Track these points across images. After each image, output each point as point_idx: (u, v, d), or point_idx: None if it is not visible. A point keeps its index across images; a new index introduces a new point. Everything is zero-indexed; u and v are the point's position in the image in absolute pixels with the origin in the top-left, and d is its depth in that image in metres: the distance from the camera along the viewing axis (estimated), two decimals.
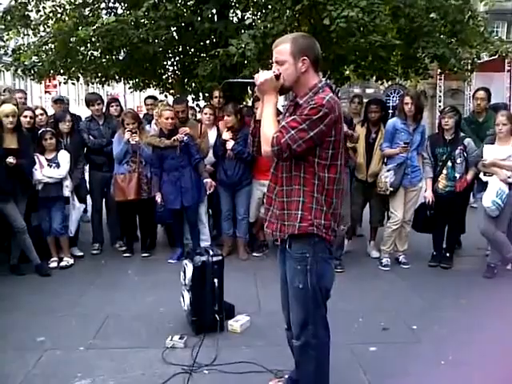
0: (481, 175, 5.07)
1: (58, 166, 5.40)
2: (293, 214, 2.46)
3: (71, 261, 5.59)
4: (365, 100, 6.35)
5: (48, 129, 5.49)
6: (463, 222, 5.72)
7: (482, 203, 4.94)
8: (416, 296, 4.66)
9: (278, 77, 2.42)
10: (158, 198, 5.55)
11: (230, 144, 5.53)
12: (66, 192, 5.49)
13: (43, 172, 5.32)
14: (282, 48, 2.43)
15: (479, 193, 5.10)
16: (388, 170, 5.33)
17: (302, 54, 2.40)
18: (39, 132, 5.47)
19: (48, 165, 5.36)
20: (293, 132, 2.31)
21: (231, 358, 3.41)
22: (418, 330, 3.88)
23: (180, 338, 3.64)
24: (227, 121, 5.56)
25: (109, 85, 9.17)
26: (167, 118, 5.46)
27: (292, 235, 2.48)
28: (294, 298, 2.55)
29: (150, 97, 7.40)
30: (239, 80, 3.34)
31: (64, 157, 5.46)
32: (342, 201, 2.54)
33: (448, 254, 5.49)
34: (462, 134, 5.32)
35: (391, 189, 5.30)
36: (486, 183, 4.95)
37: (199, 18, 6.70)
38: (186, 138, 5.43)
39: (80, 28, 6.34)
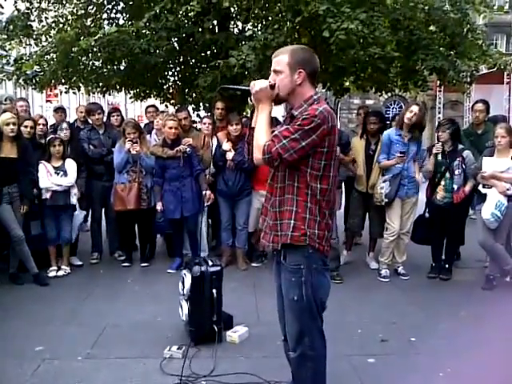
0: (480, 187, 5.08)
1: (65, 173, 5.43)
2: (285, 223, 2.46)
3: (68, 269, 5.60)
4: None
5: (56, 135, 5.53)
6: (462, 234, 5.72)
7: (480, 215, 4.96)
8: (415, 307, 4.66)
9: (272, 86, 2.46)
10: (159, 207, 5.57)
11: (230, 154, 5.56)
12: (74, 200, 5.52)
13: (51, 180, 5.34)
14: (280, 58, 2.47)
15: (478, 205, 5.10)
16: (384, 181, 5.34)
17: (298, 66, 2.43)
18: (47, 139, 5.50)
19: (56, 172, 5.39)
20: (285, 141, 2.34)
21: (229, 368, 3.40)
22: (417, 342, 3.88)
23: (178, 349, 3.64)
24: (235, 129, 5.58)
25: (110, 94, 9.21)
26: (171, 128, 5.49)
27: (285, 245, 2.48)
28: (290, 310, 2.55)
29: (151, 106, 7.44)
30: (235, 87, 3.37)
31: (71, 165, 5.50)
32: (333, 212, 2.56)
33: (447, 266, 5.49)
34: (460, 146, 5.34)
35: (386, 200, 5.31)
36: (485, 195, 4.97)
37: (200, 30, 6.75)
38: (188, 149, 5.46)
39: (82, 38, 6.37)
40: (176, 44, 7.21)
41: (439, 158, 5.31)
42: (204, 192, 5.51)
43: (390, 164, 5.33)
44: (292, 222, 2.44)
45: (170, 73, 8.02)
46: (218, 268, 3.93)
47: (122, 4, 7.73)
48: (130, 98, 8.95)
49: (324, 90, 8.51)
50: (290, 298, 2.51)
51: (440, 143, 5.27)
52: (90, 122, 6.25)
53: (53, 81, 7.51)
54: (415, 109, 5.21)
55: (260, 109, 2.50)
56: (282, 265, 2.55)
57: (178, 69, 7.83)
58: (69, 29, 7.45)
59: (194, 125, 6.63)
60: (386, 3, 6.10)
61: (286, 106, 2.67)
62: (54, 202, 5.40)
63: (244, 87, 2.71)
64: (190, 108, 7.55)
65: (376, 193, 5.39)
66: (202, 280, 3.82)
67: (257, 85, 2.47)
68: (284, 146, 2.34)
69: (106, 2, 7.71)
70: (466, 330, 4.06)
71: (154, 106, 7.46)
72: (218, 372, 3.37)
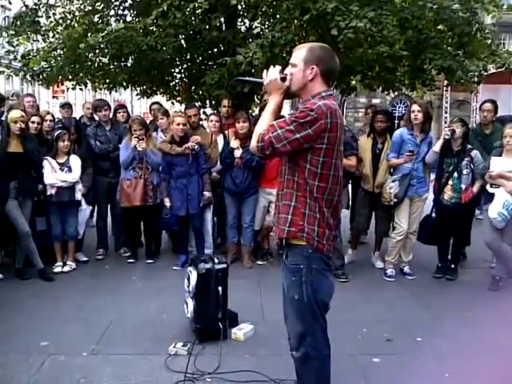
0: (487, 187, 5.06)
1: (69, 169, 5.44)
2: (283, 217, 2.46)
3: (74, 265, 5.62)
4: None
5: (64, 131, 5.53)
6: (469, 234, 5.69)
7: (488, 215, 4.93)
8: (420, 307, 4.65)
9: (283, 79, 2.46)
10: (167, 203, 5.58)
11: (238, 152, 5.55)
12: (79, 196, 5.53)
13: (56, 176, 5.35)
14: (298, 52, 2.49)
15: (485, 205, 5.08)
16: (393, 181, 5.32)
17: (312, 63, 2.43)
18: (55, 134, 5.49)
19: (60, 169, 5.40)
20: (279, 131, 2.33)
21: (234, 366, 3.40)
22: (422, 342, 3.86)
23: (183, 346, 3.64)
24: (242, 127, 5.57)
25: (116, 91, 9.21)
26: (178, 124, 5.50)
27: (286, 243, 2.47)
28: (292, 309, 2.54)
29: (155, 103, 7.43)
30: (249, 79, 3.35)
31: (75, 161, 5.50)
32: (335, 212, 2.48)
33: (453, 266, 5.47)
34: (469, 146, 5.32)
35: (395, 200, 5.29)
36: (493, 195, 4.94)
37: (207, 27, 6.74)
38: (196, 146, 5.46)
39: (89, 34, 6.39)
40: (183, 41, 7.20)
41: (448, 159, 5.28)
42: (205, 193, 5.54)
43: (398, 163, 5.30)
44: (289, 216, 2.43)
45: (177, 70, 8.00)
46: (224, 265, 3.93)
47: (129, 1, 7.73)
48: (137, 94, 8.95)
49: (331, 89, 8.48)
50: (291, 297, 2.50)
51: (452, 126, 5.22)
52: (97, 118, 6.26)
53: (60, 77, 7.51)
54: (416, 108, 5.24)
55: (270, 99, 2.52)
56: (284, 264, 2.55)
57: (184, 66, 7.81)
58: (76, 25, 7.47)
59: (201, 122, 6.63)
60: (394, 2, 6.07)
61: (293, 103, 2.67)
62: (59, 198, 5.41)
63: (257, 79, 2.70)
64: (196, 105, 7.54)
65: (385, 192, 5.37)
66: (207, 277, 3.82)
67: (269, 75, 2.48)
68: (278, 135, 2.33)
69: None
70: (471, 330, 4.04)
71: (158, 103, 7.44)
72: (223, 369, 3.38)
